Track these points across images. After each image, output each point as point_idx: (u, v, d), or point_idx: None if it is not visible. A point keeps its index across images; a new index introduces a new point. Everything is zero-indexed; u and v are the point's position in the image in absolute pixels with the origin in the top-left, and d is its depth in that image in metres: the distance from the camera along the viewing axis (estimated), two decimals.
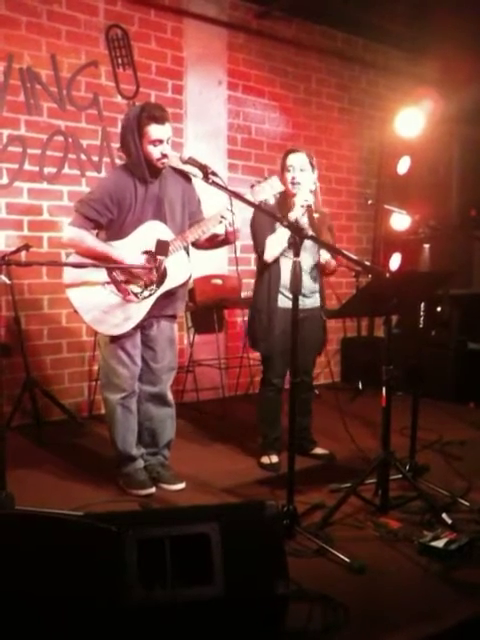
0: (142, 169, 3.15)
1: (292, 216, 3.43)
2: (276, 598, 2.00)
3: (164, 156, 3.12)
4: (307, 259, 3.55)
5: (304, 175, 3.58)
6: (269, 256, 3.60)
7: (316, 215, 3.54)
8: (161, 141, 3.09)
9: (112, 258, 3.11)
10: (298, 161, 3.59)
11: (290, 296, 2.84)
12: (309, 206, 3.50)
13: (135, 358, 3.30)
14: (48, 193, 4.70)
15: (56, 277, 4.57)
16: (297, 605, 2.16)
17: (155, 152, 3.11)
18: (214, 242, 3.33)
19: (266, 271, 3.67)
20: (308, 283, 3.64)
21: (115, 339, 3.24)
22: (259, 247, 3.64)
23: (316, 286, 3.72)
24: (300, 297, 3.47)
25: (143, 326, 3.27)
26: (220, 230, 3.22)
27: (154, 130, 3.07)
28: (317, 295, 3.75)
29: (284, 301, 3.56)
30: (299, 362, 2.82)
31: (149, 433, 3.46)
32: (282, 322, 3.52)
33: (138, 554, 1.91)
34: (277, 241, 3.54)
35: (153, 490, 3.36)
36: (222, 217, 3.13)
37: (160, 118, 3.08)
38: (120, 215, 3.17)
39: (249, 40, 5.65)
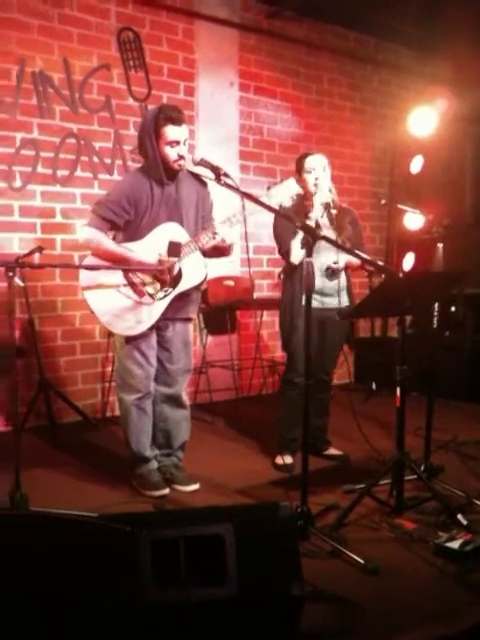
0: (159, 171, 3.16)
1: (313, 216, 3.44)
2: (290, 599, 2.00)
3: (181, 157, 3.12)
4: (324, 259, 3.53)
5: (325, 175, 3.60)
6: (295, 259, 3.59)
7: (334, 211, 3.55)
8: (178, 142, 3.10)
9: (129, 260, 3.12)
10: (319, 162, 3.62)
11: (316, 296, 2.83)
12: (328, 204, 3.52)
13: (150, 359, 3.31)
14: (61, 196, 4.72)
15: (69, 279, 4.60)
16: (312, 606, 2.15)
17: (172, 153, 3.11)
18: (219, 250, 3.29)
19: (292, 272, 3.68)
20: (326, 282, 3.63)
21: (131, 340, 3.25)
22: (282, 248, 3.65)
23: (338, 285, 3.69)
24: (321, 296, 3.49)
25: (159, 327, 3.28)
26: (228, 237, 3.19)
27: (171, 131, 3.08)
28: (343, 294, 3.72)
29: None
30: (318, 361, 2.79)
31: (164, 434, 3.47)
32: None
33: (152, 555, 1.91)
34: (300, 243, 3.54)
35: (167, 491, 3.36)
36: (230, 222, 3.11)
37: (177, 119, 3.08)
38: (136, 217, 3.18)
39: (260, 41, 5.65)
